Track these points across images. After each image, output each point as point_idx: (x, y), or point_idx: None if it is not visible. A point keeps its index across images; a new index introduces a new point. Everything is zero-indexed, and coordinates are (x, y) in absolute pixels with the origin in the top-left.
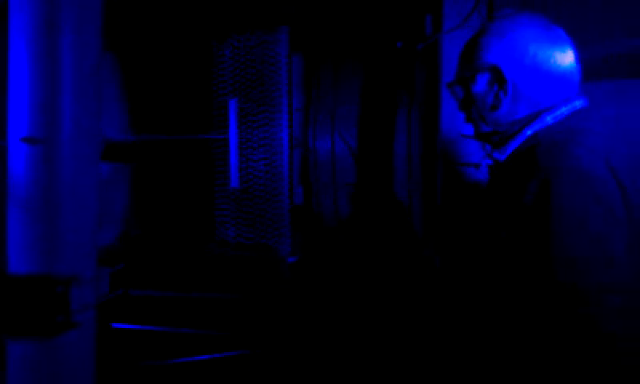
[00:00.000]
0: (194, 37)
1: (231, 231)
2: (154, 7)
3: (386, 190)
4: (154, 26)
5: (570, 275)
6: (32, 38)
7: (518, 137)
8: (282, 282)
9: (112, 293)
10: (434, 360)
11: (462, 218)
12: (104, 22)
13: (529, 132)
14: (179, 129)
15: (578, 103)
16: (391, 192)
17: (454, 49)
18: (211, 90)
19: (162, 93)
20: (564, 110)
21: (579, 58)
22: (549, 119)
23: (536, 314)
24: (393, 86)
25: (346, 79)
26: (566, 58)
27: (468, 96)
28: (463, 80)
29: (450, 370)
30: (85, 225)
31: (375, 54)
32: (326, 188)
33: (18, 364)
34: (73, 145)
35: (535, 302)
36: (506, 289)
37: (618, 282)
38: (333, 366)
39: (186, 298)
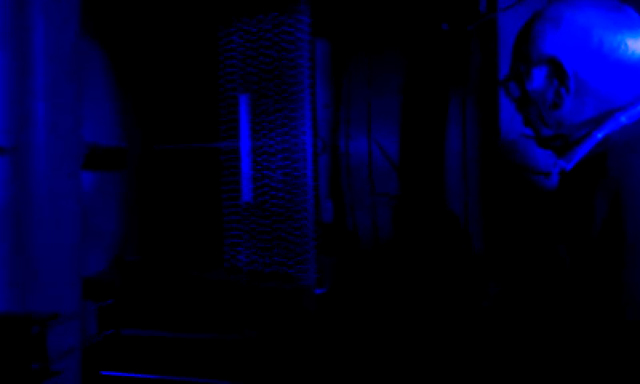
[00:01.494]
0: (197, 21)
1: (243, 256)
2: None
3: (436, 202)
4: (150, 10)
5: None
6: None
7: (587, 141)
8: (306, 319)
9: (101, 333)
10: None
11: (529, 239)
12: (88, 7)
13: (599, 135)
14: (180, 132)
15: None
16: (443, 204)
17: (514, 29)
18: (217, 85)
19: (159, 90)
20: None
21: None
22: (623, 119)
23: (602, 354)
24: (441, 74)
25: (384, 68)
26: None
27: (524, 94)
28: (517, 76)
29: None
30: (64, 249)
31: (418, 37)
32: (362, 201)
33: None
34: (48, 153)
35: (602, 341)
36: (567, 324)
37: None
38: None
39: (189, 338)
